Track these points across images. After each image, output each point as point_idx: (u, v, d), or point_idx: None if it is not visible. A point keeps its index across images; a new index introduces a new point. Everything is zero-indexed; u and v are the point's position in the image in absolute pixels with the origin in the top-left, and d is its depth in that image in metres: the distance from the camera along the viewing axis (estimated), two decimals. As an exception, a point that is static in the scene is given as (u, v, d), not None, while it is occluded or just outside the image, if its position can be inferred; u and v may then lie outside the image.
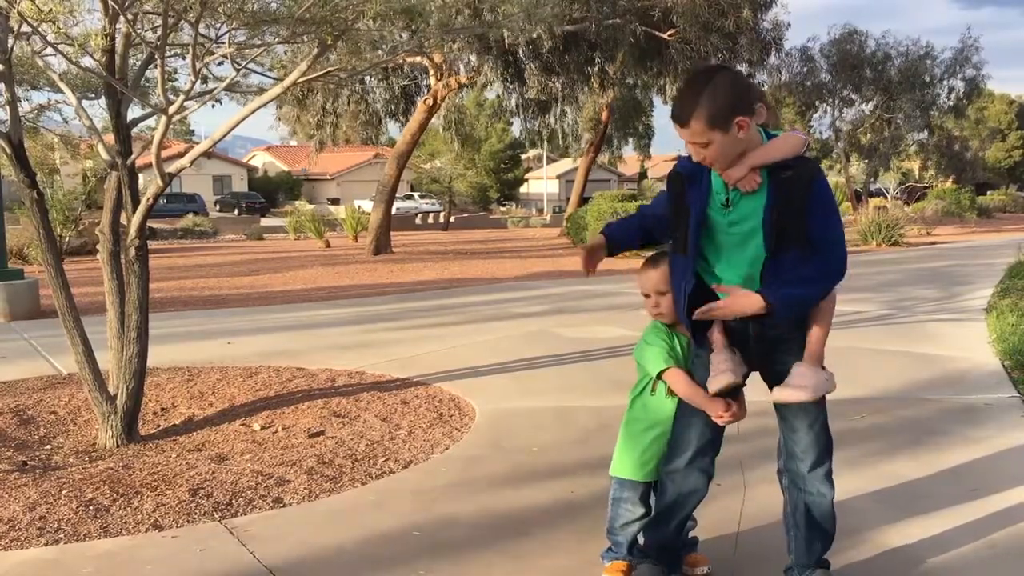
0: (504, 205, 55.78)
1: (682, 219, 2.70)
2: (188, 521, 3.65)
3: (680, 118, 2.54)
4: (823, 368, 2.70)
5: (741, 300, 2.60)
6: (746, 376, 2.78)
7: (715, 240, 2.67)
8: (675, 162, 2.86)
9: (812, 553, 2.82)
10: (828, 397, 2.77)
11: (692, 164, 2.69)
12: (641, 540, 3.02)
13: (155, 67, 4.47)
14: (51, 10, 3.92)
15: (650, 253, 3.04)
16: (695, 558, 3.11)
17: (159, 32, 4.34)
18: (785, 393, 2.67)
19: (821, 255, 2.59)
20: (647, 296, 2.96)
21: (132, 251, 4.74)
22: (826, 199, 2.62)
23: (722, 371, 2.69)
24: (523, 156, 59.89)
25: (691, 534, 3.15)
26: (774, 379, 2.76)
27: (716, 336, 2.74)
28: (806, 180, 2.58)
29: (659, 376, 2.89)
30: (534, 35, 14.25)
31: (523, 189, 62.45)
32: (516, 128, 25.25)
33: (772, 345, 2.72)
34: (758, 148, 2.59)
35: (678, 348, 2.91)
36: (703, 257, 2.72)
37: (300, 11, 4.14)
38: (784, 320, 2.66)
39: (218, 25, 4.47)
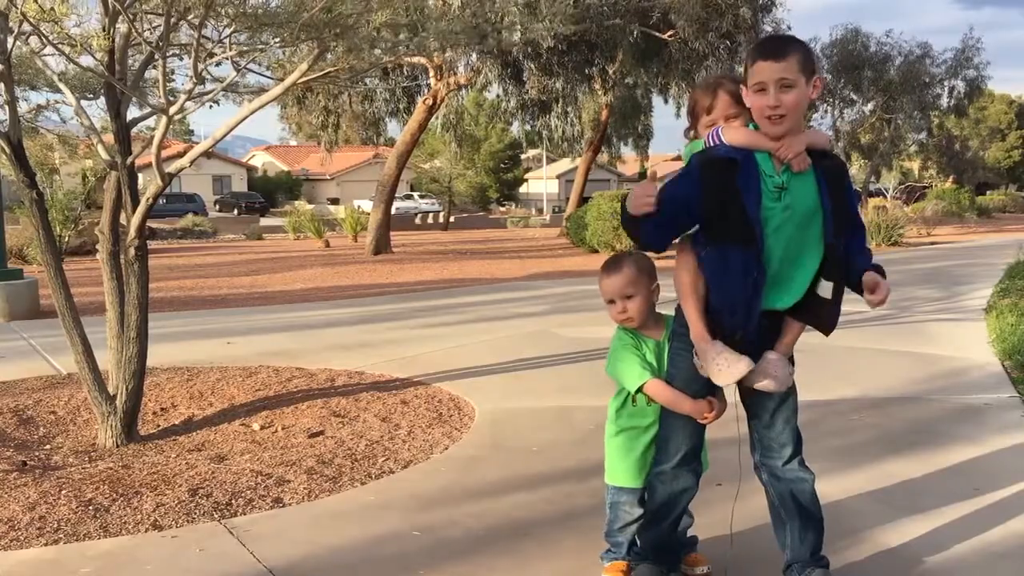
0: (504, 205, 55.79)
1: (734, 207, 2.59)
2: (188, 521, 3.64)
3: (777, 52, 2.55)
4: (790, 362, 2.74)
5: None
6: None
7: (769, 227, 2.59)
8: (693, 154, 2.75)
9: (807, 544, 2.82)
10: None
11: (735, 148, 2.63)
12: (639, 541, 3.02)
13: (155, 67, 4.47)
14: (53, 9, 3.91)
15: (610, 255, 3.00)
16: (695, 558, 3.11)
17: (158, 32, 4.34)
18: (759, 381, 2.68)
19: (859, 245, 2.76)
20: (612, 302, 2.89)
21: (131, 251, 4.74)
22: (852, 186, 2.82)
23: (735, 360, 2.64)
24: (523, 156, 59.88)
25: (689, 533, 3.15)
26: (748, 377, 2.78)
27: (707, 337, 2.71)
28: (843, 170, 2.75)
29: (638, 391, 2.86)
30: (535, 38, 14.25)
31: (523, 189, 62.45)
32: (515, 128, 25.11)
33: (756, 346, 2.72)
34: (803, 132, 2.66)
35: (649, 355, 2.88)
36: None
37: (306, 17, 4.13)
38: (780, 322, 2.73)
39: (220, 28, 4.46)
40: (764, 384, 2.69)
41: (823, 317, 2.74)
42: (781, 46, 2.58)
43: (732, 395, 2.88)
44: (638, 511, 2.98)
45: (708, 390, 2.77)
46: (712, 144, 2.70)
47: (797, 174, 2.61)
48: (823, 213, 2.62)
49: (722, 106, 2.85)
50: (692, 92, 3.07)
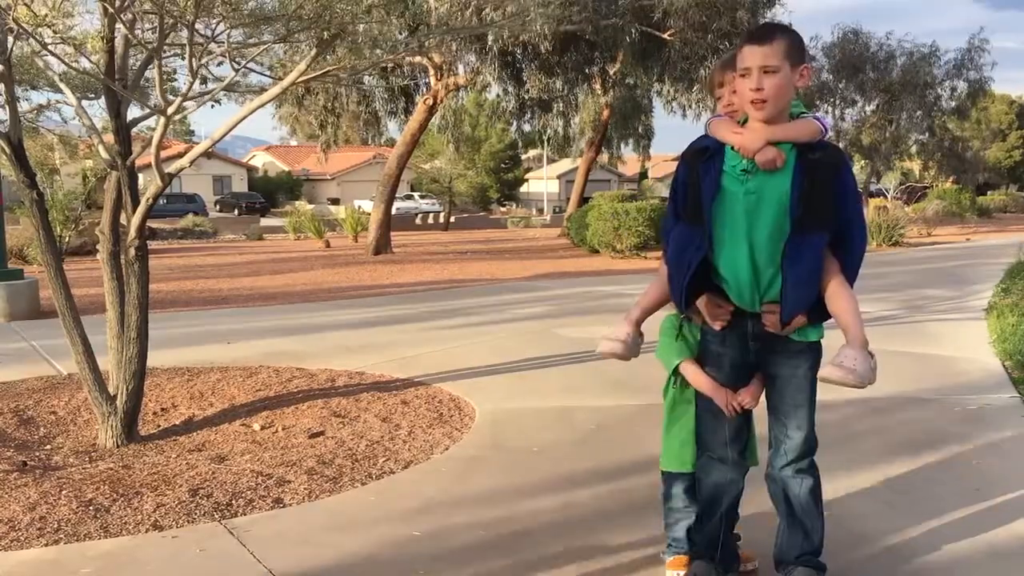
0: (504, 205, 55.76)
1: (693, 189, 2.66)
2: (188, 521, 3.64)
3: (762, 37, 2.55)
4: (871, 355, 2.58)
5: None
6: (752, 374, 2.81)
7: (728, 212, 2.60)
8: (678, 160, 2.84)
9: (810, 543, 2.83)
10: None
11: (709, 139, 2.69)
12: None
13: (154, 67, 4.47)
14: (46, 15, 3.91)
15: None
16: (743, 554, 3.10)
17: (157, 32, 4.34)
18: (834, 372, 2.54)
19: (845, 250, 2.65)
20: None
21: (132, 251, 4.74)
22: (852, 188, 2.68)
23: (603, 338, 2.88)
24: (523, 156, 59.84)
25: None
26: (768, 374, 2.79)
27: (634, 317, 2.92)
28: (834, 164, 2.62)
29: (676, 370, 2.95)
30: (534, 36, 14.25)
31: (523, 189, 62.41)
32: (515, 128, 25.02)
33: (769, 343, 2.72)
34: (779, 124, 2.59)
35: (691, 339, 2.94)
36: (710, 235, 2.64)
37: (295, 7, 4.13)
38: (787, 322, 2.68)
39: (214, 24, 4.46)
40: (843, 377, 2.53)
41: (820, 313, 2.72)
42: (767, 32, 2.59)
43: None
44: (688, 500, 3.00)
45: (732, 381, 2.79)
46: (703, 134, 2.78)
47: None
48: (791, 210, 2.55)
49: (729, 82, 2.84)
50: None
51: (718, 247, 2.64)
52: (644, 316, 2.93)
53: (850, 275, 2.68)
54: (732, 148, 2.62)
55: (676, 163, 2.91)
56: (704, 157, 2.66)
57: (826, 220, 2.59)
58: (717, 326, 2.75)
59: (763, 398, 2.87)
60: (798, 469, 2.80)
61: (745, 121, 2.69)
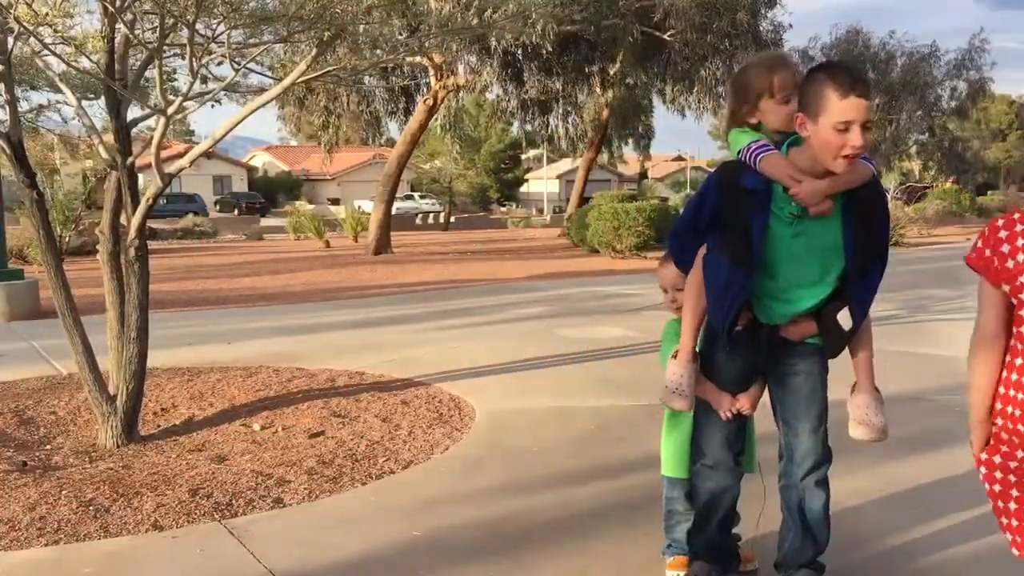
0: (504, 205, 55.78)
1: (738, 229, 2.58)
2: (188, 521, 3.65)
3: (866, 90, 2.41)
4: (879, 399, 2.76)
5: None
6: (757, 375, 2.81)
7: (770, 252, 2.58)
8: (716, 169, 2.74)
9: (803, 554, 2.83)
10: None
11: (754, 176, 2.57)
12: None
13: (154, 67, 4.47)
14: (47, 14, 3.91)
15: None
16: (744, 554, 3.11)
17: (158, 32, 4.34)
18: (862, 432, 2.74)
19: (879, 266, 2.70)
20: (665, 291, 3.03)
21: (132, 251, 4.74)
22: (888, 213, 2.73)
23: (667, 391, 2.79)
24: (523, 156, 59.86)
25: (733, 531, 3.14)
26: (778, 381, 2.79)
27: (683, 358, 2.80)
28: (880, 198, 2.67)
29: None
30: (534, 36, 14.25)
31: (523, 189, 62.42)
32: (515, 128, 25.08)
33: (782, 347, 2.72)
34: (835, 177, 2.49)
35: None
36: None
37: (296, 8, 4.13)
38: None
39: (215, 24, 4.46)
40: (869, 435, 2.73)
41: (834, 343, 2.76)
42: (865, 81, 2.43)
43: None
44: (688, 504, 3.01)
45: (734, 386, 2.79)
46: (746, 159, 2.62)
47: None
48: (844, 248, 2.56)
49: (782, 87, 2.63)
50: (743, 72, 2.78)
51: (756, 278, 2.62)
52: (696, 340, 2.82)
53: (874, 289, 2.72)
54: (784, 190, 2.54)
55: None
56: (755, 199, 2.56)
57: (880, 249, 2.67)
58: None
59: (765, 404, 2.87)
60: (817, 480, 2.79)
61: (783, 142, 2.59)
